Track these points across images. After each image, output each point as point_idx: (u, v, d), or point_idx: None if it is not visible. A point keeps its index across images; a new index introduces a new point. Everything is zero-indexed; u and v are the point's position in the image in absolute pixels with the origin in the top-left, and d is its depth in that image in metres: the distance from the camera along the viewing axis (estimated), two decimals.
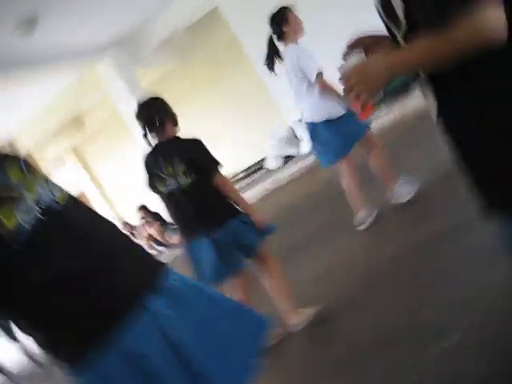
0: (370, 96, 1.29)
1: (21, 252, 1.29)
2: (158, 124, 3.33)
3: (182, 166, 3.23)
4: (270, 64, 4.66)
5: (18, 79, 9.87)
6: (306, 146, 11.15)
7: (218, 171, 3.29)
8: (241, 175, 15.12)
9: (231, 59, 13.96)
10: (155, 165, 3.33)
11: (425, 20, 1.13)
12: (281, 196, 9.54)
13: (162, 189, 3.32)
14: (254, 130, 14.09)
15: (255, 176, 13.22)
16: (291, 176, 10.59)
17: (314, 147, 4.79)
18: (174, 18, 12.20)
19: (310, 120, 4.54)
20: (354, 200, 4.76)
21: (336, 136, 4.48)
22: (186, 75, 14.97)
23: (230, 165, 14.64)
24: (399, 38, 1.28)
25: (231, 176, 15.58)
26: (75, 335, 1.41)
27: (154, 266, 1.61)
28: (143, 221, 12.16)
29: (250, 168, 14.57)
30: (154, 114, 3.35)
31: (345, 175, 4.71)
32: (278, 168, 11.62)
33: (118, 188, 16.67)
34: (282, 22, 4.56)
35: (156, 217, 11.96)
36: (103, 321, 1.41)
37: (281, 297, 3.51)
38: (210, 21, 13.19)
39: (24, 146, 13.87)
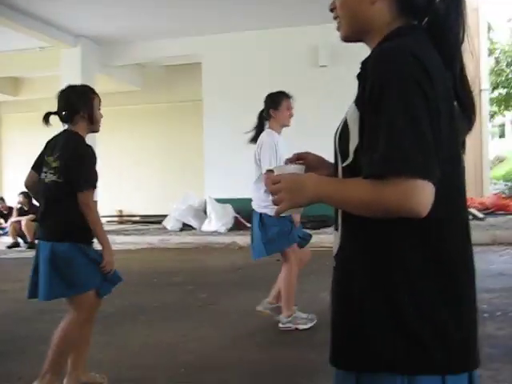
0: (288, 207, 1.29)
1: None
2: (67, 115, 3.14)
3: (56, 163, 3.04)
4: (255, 138, 4.62)
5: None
6: (209, 224, 11.23)
7: (86, 192, 3.01)
8: (137, 218, 14.97)
9: (189, 114, 14.13)
10: (48, 148, 3.18)
11: (365, 166, 1.16)
12: (156, 256, 9.38)
13: (41, 174, 3.14)
14: (173, 186, 14.05)
15: (150, 226, 13.10)
16: (179, 244, 10.49)
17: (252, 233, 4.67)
18: (158, 51, 12.35)
19: (253, 207, 4.56)
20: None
21: (265, 234, 4.41)
22: (141, 104, 14.97)
23: (139, 203, 14.94)
24: (340, 169, 1.30)
25: (130, 214, 15.40)
26: None
27: None
28: (18, 206, 11.63)
29: (150, 216, 14.43)
30: (66, 104, 3.15)
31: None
32: (174, 231, 11.52)
33: (20, 164, 15.92)
34: (271, 105, 4.61)
35: (34, 209, 11.43)
36: None
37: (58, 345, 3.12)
38: (188, 71, 13.45)
39: None
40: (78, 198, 2.98)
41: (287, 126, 4.72)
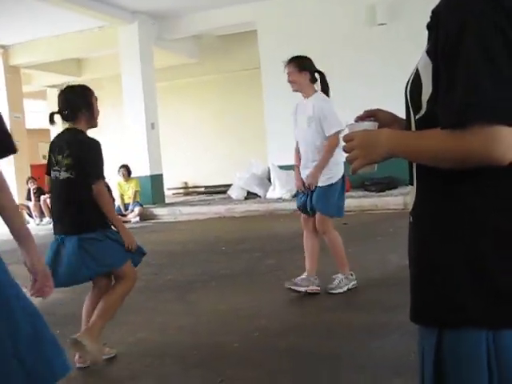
0: (363, 164, 1.29)
1: None
2: (69, 113, 3.38)
3: (68, 160, 3.28)
4: None
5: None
6: (273, 191, 11.30)
7: (98, 182, 3.27)
8: (202, 189, 15.24)
9: (248, 82, 14.10)
10: (55, 148, 3.41)
11: (442, 115, 1.12)
12: (222, 225, 9.54)
13: (52, 172, 3.41)
14: (236, 155, 14.16)
15: (215, 196, 13.33)
16: (244, 213, 10.63)
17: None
18: (213, 21, 12.34)
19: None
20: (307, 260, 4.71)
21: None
22: (200, 76, 15.05)
23: (204, 174, 15.20)
24: (413, 121, 1.27)
25: (195, 185, 15.69)
26: None
27: None
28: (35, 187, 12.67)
29: (214, 187, 14.67)
30: (68, 103, 3.39)
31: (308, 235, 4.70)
32: (239, 200, 11.67)
33: None
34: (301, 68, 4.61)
35: None
36: None
37: (100, 313, 3.31)
38: (244, 40, 13.39)
39: (15, 61, 13.64)
40: (93, 189, 3.24)
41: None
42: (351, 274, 4.60)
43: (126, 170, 11.76)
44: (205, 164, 15.20)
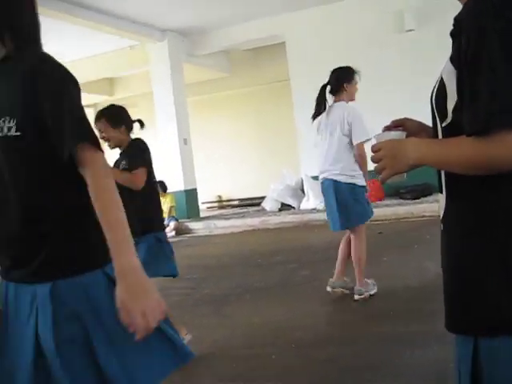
0: (391, 174, 1.30)
1: None
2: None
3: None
4: (317, 112, 4.76)
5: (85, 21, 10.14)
6: (307, 202, 11.27)
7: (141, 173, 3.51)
8: (237, 202, 15.30)
9: (278, 94, 14.15)
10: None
11: (467, 123, 1.11)
12: (257, 237, 9.54)
13: None
14: (269, 167, 14.18)
15: (249, 209, 13.37)
16: (279, 224, 10.61)
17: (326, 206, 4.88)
18: (242, 35, 12.45)
19: (331, 177, 4.61)
20: (339, 264, 4.83)
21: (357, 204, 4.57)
22: (230, 90, 15.19)
23: (237, 187, 15.28)
24: (439, 129, 1.27)
25: (229, 199, 15.77)
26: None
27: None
28: None
29: (248, 199, 14.72)
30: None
31: (344, 240, 4.87)
32: (273, 212, 11.67)
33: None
34: (345, 79, 4.68)
35: None
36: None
37: None
38: (273, 52, 13.46)
39: None
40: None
41: (353, 100, 4.75)
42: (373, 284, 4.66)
43: (162, 186, 11.90)
44: (238, 177, 15.27)
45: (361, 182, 4.56)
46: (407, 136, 1.43)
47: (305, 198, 11.43)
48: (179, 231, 11.49)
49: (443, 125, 1.24)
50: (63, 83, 1.46)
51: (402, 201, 10.04)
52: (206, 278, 6.41)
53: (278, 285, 5.62)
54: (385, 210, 9.32)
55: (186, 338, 3.60)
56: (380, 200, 10.29)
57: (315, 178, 11.35)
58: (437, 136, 1.29)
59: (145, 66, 12.79)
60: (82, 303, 1.43)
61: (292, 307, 4.69)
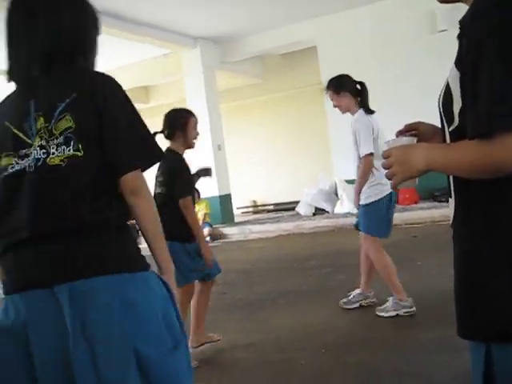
0: (402, 180, 1.30)
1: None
2: (168, 132, 3.78)
3: (162, 177, 3.67)
4: None
5: (120, 31, 10.38)
6: (341, 206, 11.22)
7: (185, 198, 3.58)
8: (271, 207, 15.33)
9: (312, 98, 14.14)
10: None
11: (469, 126, 1.12)
12: (292, 242, 9.54)
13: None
14: (303, 171, 14.18)
15: (284, 213, 13.38)
16: (313, 229, 10.60)
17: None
18: (273, 41, 12.50)
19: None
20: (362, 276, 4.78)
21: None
22: (262, 96, 15.25)
23: (272, 192, 15.31)
24: (447, 133, 1.27)
25: (263, 203, 15.82)
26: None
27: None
28: None
29: (283, 204, 14.73)
30: (167, 123, 3.81)
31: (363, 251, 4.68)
32: (307, 216, 11.65)
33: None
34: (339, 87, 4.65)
35: None
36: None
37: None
38: (305, 56, 13.48)
39: None
40: (180, 204, 3.56)
41: (349, 111, 4.72)
42: (406, 300, 4.30)
43: (197, 193, 12.02)
44: (273, 182, 15.30)
45: (367, 199, 4.39)
46: (421, 140, 1.44)
47: (338, 202, 11.39)
48: (214, 236, 11.58)
49: (450, 129, 1.25)
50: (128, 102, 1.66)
51: (436, 203, 9.90)
52: (240, 282, 6.46)
53: (312, 289, 5.62)
54: (419, 214, 9.23)
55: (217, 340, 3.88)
56: (415, 203, 10.19)
57: (349, 181, 11.33)
58: (445, 141, 1.29)
59: (179, 73, 12.96)
60: None
61: (326, 311, 4.69)
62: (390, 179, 1.32)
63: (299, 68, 14.12)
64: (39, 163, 1.48)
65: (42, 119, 1.51)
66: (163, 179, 3.63)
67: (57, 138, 1.49)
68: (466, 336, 1.25)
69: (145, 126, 1.64)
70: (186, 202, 3.57)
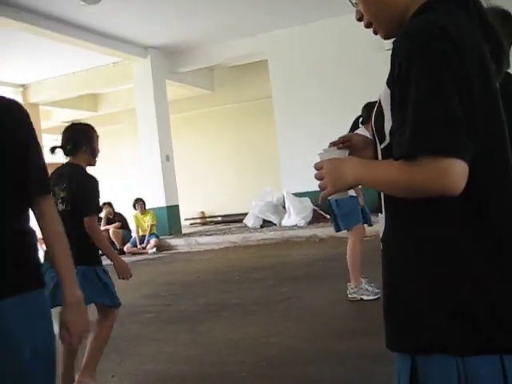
0: (332, 192, 1.33)
1: None
2: (71, 147, 3.44)
3: (64, 193, 3.33)
4: None
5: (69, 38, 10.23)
6: (288, 219, 11.29)
7: (91, 216, 3.30)
8: (220, 219, 15.29)
9: (260, 112, 14.25)
10: (55, 181, 3.40)
11: (394, 146, 1.14)
12: (238, 254, 9.53)
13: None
14: (251, 184, 14.21)
15: (232, 225, 13.37)
16: (260, 241, 10.62)
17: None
18: (224, 53, 12.54)
19: None
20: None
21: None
22: (213, 107, 15.26)
23: (220, 204, 15.27)
24: (379, 150, 1.28)
25: (211, 215, 15.76)
26: None
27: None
28: (104, 215, 12.04)
29: (231, 216, 14.73)
30: (71, 138, 3.46)
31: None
32: (254, 228, 11.66)
33: (100, 174, 16.68)
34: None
35: (119, 217, 12.17)
36: None
37: (90, 355, 3.36)
38: (256, 69, 13.57)
39: (34, 99, 13.93)
40: (84, 222, 3.26)
41: None
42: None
43: (143, 204, 11.88)
44: (221, 193, 15.28)
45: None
46: (353, 151, 1.47)
47: (286, 215, 11.46)
48: (160, 248, 11.46)
49: (381, 146, 1.27)
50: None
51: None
52: (183, 294, 6.38)
53: (255, 302, 5.60)
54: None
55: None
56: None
57: (296, 194, 11.44)
58: (377, 157, 1.31)
59: (128, 82, 12.83)
60: None
61: (268, 325, 4.68)
62: (321, 190, 1.33)
63: (249, 81, 14.22)
64: None
65: None
66: (67, 195, 3.33)
67: None
68: (395, 349, 1.27)
69: None
70: (91, 221, 3.29)
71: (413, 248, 1.19)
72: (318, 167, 1.35)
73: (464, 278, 1.13)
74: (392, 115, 1.18)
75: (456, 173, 1.07)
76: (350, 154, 1.47)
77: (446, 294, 1.14)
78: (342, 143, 1.54)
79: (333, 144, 1.53)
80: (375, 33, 1.39)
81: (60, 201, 3.32)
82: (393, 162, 1.16)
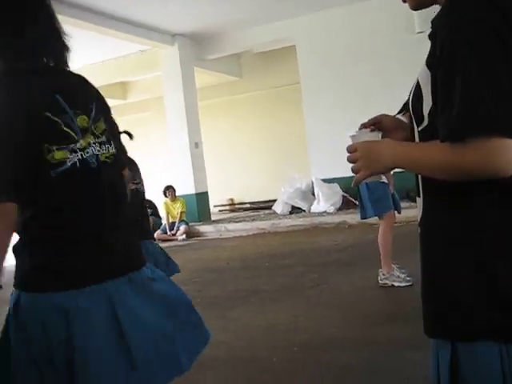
0: (367, 175, 1.29)
1: (52, 181, 1.48)
2: None
3: None
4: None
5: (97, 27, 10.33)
6: (317, 205, 11.25)
7: None
8: (248, 205, 15.32)
9: (287, 98, 14.16)
10: None
11: (441, 129, 1.10)
12: (267, 240, 9.54)
13: None
14: (280, 170, 14.18)
15: (260, 212, 13.39)
16: (289, 227, 10.61)
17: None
18: (252, 39, 12.49)
19: None
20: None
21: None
22: (241, 94, 15.23)
23: (249, 191, 15.29)
24: (416, 133, 1.25)
25: (240, 202, 15.80)
26: (55, 269, 1.50)
27: (142, 257, 1.70)
28: None
29: (260, 203, 14.74)
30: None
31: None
32: (283, 215, 11.66)
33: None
34: None
35: (150, 205, 12.25)
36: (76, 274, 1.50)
37: None
38: (283, 55, 13.49)
39: None
40: None
41: None
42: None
43: (173, 191, 11.96)
44: (250, 180, 15.29)
45: None
46: (384, 133, 1.43)
47: (315, 201, 11.42)
48: (190, 234, 11.54)
49: (419, 128, 1.24)
50: None
51: (413, 203, 9.97)
52: (213, 280, 6.43)
53: (284, 288, 5.61)
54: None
55: None
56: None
57: (325, 180, 11.39)
58: (414, 139, 1.28)
59: (156, 70, 12.88)
60: None
61: (297, 310, 4.68)
62: (355, 173, 1.30)
63: (278, 67, 14.14)
64: (98, 159, 1.57)
65: (83, 117, 1.58)
66: None
67: (99, 137, 1.60)
68: (435, 335, 1.25)
69: None
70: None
71: (454, 232, 1.16)
72: (351, 150, 1.30)
73: (505, 262, 1.10)
74: (434, 96, 1.14)
75: (509, 152, 1.03)
76: (382, 137, 1.44)
77: (487, 277, 1.11)
78: (372, 125, 1.50)
79: (364, 126, 1.49)
80: (404, 0, 1.33)
81: None
82: (435, 143, 1.12)
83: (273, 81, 14.44)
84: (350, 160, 1.31)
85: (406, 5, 1.36)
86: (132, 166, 3.54)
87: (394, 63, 10.74)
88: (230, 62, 14.38)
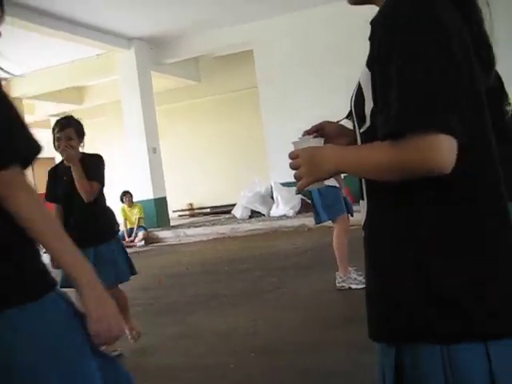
0: (310, 181, 1.27)
1: None
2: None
3: None
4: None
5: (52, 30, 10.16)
6: (276, 209, 11.29)
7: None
8: (208, 210, 15.26)
9: (246, 102, 14.19)
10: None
11: (379, 127, 1.09)
12: (226, 245, 9.52)
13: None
14: (240, 174, 14.17)
15: (220, 216, 13.35)
16: (248, 232, 10.62)
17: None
18: (210, 43, 12.47)
19: None
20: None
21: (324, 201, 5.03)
22: (199, 98, 15.18)
23: (208, 195, 15.21)
24: (358, 135, 1.24)
25: (200, 206, 15.73)
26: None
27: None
28: None
29: (219, 207, 14.71)
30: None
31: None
32: (243, 219, 11.66)
33: None
34: None
35: None
36: None
37: None
38: (242, 59, 13.51)
39: (17, 92, 13.78)
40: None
41: None
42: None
43: (131, 196, 11.82)
44: (209, 184, 15.24)
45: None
46: (327, 140, 1.43)
47: (274, 205, 11.46)
48: (149, 240, 11.42)
49: (361, 130, 1.23)
50: None
51: None
52: (172, 286, 6.37)
53: (244, 292, 5.60)
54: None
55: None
56: None
57: (284, 184, 11.43)
58: (357, 142, 1.27)
59: (113, 74, 12.72)
60: None
61: (257, 314, 4.68)
62: (297, 180, 1.28)
63: (236, 71, 14.15)
64: None
65: None
66: None
67: None
68: (379, 339, 1.25)
69: None
70: None
71: (397, 234, 1.16)
72: (293, 156, 1.29)
73: (444, 261, 1.10)
74: (374, 96, 1.14)
75: (445, 148, 1.03)
76: (324, 143, 1.42)
77: (426, 280, 1.11)
78: (315, 131, 1.50)
79: (307, 133, 1.49)
80: None
81: None
82: (375, 144, 1.11)
83: (231, 85, 14.44)
84: (292, 167, 1.29)
85: (363, 10, 1.36)
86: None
87: (348, 68, 10.83)
88: (189, 66, 14.32)
